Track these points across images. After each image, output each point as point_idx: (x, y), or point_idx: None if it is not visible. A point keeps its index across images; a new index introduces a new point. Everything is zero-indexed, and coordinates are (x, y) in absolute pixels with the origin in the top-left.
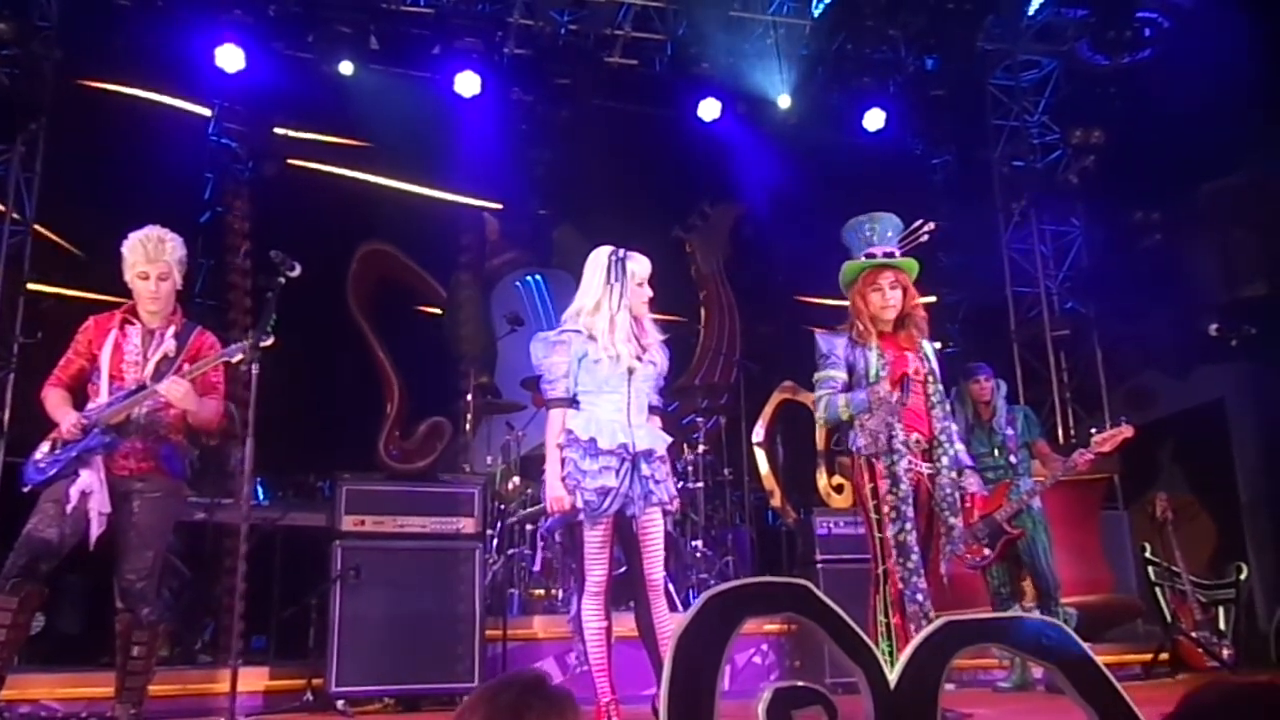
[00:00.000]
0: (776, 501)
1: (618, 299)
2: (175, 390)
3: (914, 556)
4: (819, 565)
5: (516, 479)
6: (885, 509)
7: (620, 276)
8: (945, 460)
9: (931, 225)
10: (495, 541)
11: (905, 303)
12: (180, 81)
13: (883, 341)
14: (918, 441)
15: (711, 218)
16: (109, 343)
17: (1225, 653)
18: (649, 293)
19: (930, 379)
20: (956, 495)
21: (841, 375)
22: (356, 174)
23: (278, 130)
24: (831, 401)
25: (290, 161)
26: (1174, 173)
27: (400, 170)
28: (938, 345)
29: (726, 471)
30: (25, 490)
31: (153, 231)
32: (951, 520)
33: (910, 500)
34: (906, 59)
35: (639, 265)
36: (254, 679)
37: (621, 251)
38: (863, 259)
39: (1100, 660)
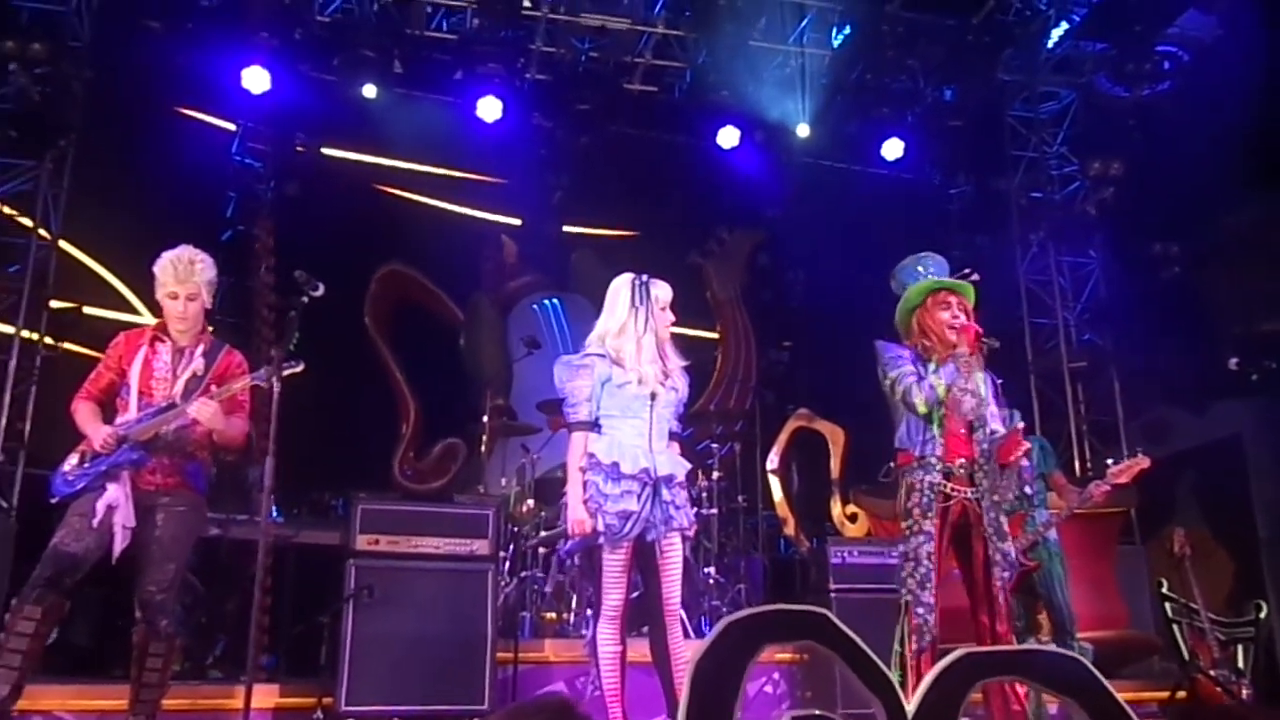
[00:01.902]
0: (790, 529)
1: (643, 322)
2: (204, 411)
3: (922, 569)
4: (832, 594)
5: (530, 502)
6: (909, 521)
7: (645, 300)
8: (985, 484)
9: (976, 276)
10: (508, 564)
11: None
12: (206, 102)
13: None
14: (961, 466)
15: (729, 244)
16: (139, 359)
17: (1244, 692)
18: (671, 317)
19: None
20: (1001, 519)
21: (915, 369)
22: (377, 195)
23: (300, 149)
24: (920, 380)
25: (312, 181)
26: (1193, 205)
27: (421, 192)
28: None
29: (740, 498)
30: (53, 502)
31: (184, 252)
32: (1002, 546)
33: (931, 515)
34: (925, 90)
35: (662, 290)
36: (264, 696)
37: (645, 276)
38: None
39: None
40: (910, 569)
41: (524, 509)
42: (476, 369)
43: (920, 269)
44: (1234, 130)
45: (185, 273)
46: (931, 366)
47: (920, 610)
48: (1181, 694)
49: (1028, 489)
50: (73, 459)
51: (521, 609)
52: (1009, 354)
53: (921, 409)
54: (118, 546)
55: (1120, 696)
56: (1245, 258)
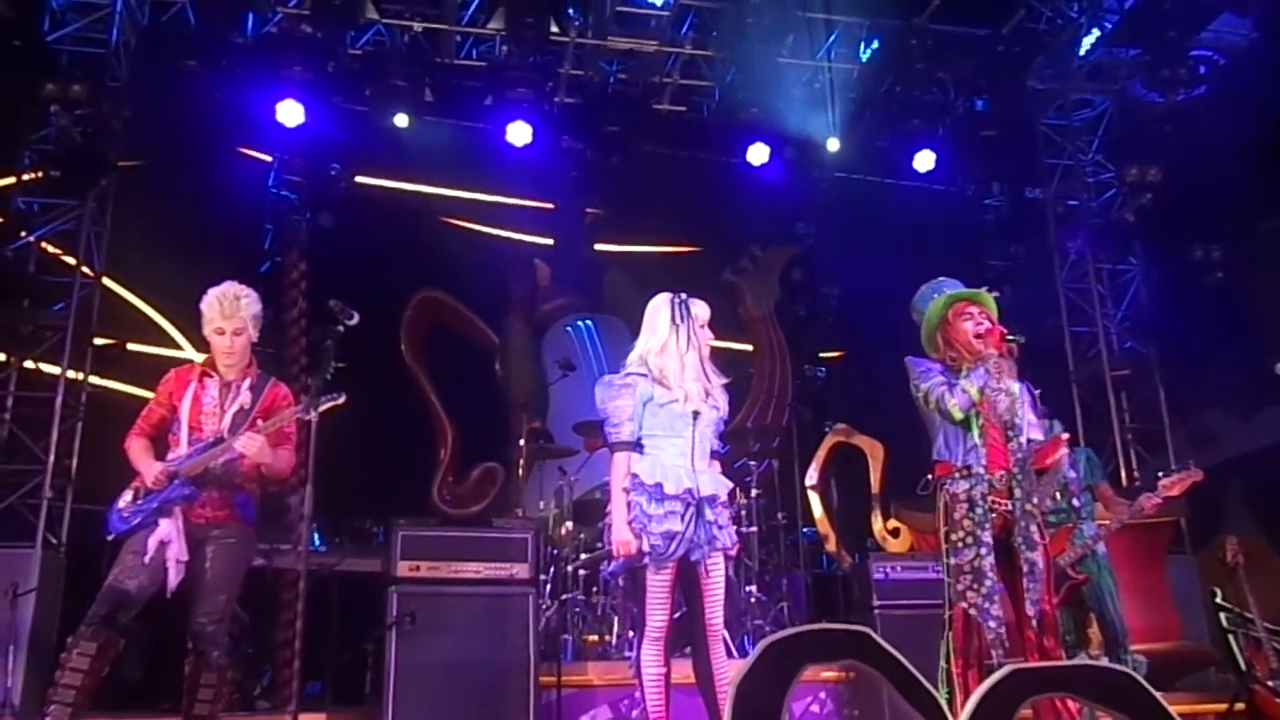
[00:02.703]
0: (831, 546)
1: (685, 340)
2: (251, 446)
3: (988, 582)
4: (876, 611)
5: (569, 524)
6: (960, 534)
7: (685, 318)
8: (1019, 493)
9: (997, 294)
10: (549, 587)
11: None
12: (242, 136)
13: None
14: (1001, 478)
15: (762, 261)
16: (188, 395)
17: None
18: (710, 335)
19: (1015, 419)
20: (1034, 529)
21: (946, 379)
22: (411, 222)
23: (333, 172)
24: (954, 390)
25: (347, 211)
26: (1233, 209)
27: (454, 217)
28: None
29: (780, 515)
30: (109, 538)
31: (229, 289)
32: (1030, 555)
33: (987, 527)
34: (956, 101)
35: (701, 309)
36: None
37: (683, 295)
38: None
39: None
40: (969, 583)
41: (563, 531)
42: (512, 392)
43: (937, 290)
44: (1272, 132)
45: (231, 308)
46: (963, 374)
47: (993, 624)
48: (1240, 705)
49: (1075, 501)
50: (127, 495)
51: (563, 632)
52: (1050, 364)
53: (958, 415)
54: (172, 581)
55: (1176, 710)
56: None
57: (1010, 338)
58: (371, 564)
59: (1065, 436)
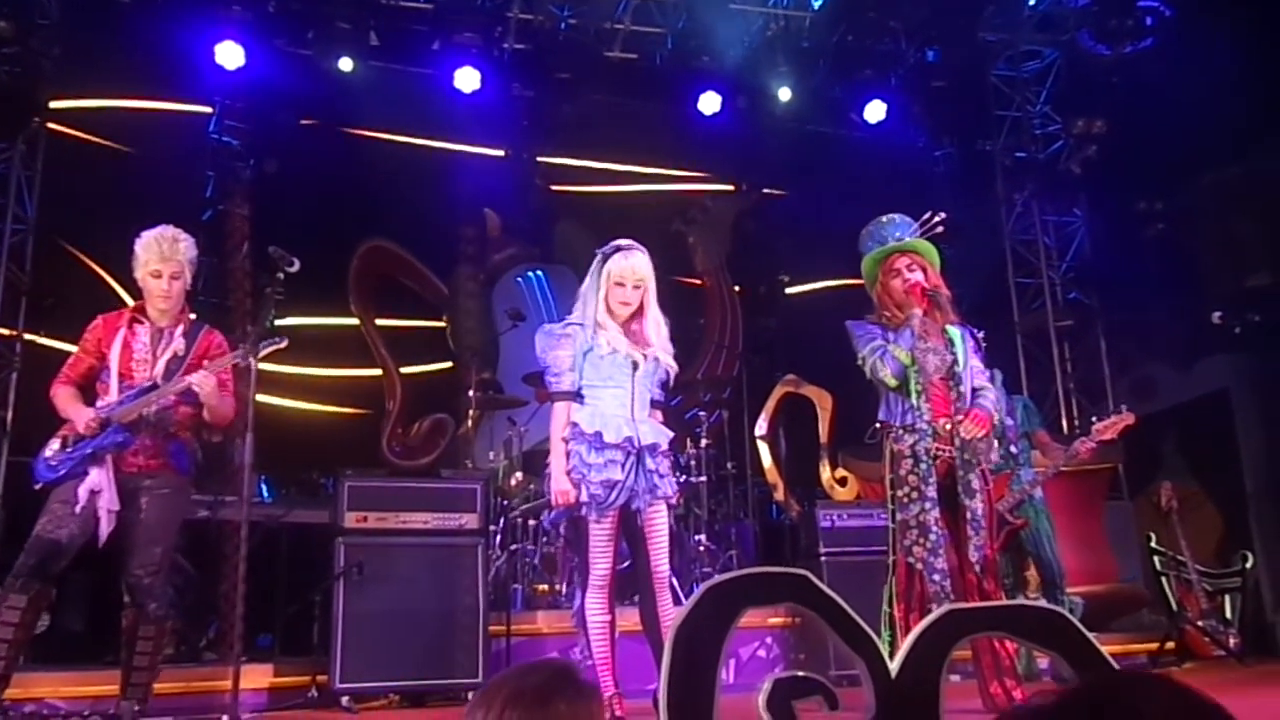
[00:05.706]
0: (780, 495)
1: (596, 299)
2: (207, 383)
3: (933, 535)
4: (823, 558)
5: (519, 474)
6: (905, 489)
7: (597, 275)
8: (958, 441)
9: (942, 215)
10: (498, 537)
11: (927, 281)
12: (181, 79)
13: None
14: (944, 425)
15: (713, 211)
16: (118, 341)
17: (1232, 641)
18: (629, 293)
19: (953, 368)
20: (973, 479)
21: (883, 343)
22: (358, 169)
23: (277, 121)
24: (884, 355)
25: (292, 157)
26: (1177, 162)
27: (402, 165)
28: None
29: (729, 465)
30: (36, 488)
31: (166, 231)
32: (971, 505)
33: (931, 481)
34: (907, 51)
35: (617, 264)
36: (259, 676)
37: (610, 248)
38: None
39: (1105, 649)
40: (915, 537)
41: (513, 482)
42: (461, 343)
43: (878, 235)
44: (1217, 86)
45: (170, 250)
46: (892, 337)
47: (936, 578)
48: (1170, 645)
49: (1013, 448)
50: (54, 444)
51: (513, 582)
52: (995, 314)
53: (892, 383)
54: (104, 530)
55: (1110, 649)
56: (1229, 213)
57: (930, 291)
58: (319, 515)
59: (984, 413)
